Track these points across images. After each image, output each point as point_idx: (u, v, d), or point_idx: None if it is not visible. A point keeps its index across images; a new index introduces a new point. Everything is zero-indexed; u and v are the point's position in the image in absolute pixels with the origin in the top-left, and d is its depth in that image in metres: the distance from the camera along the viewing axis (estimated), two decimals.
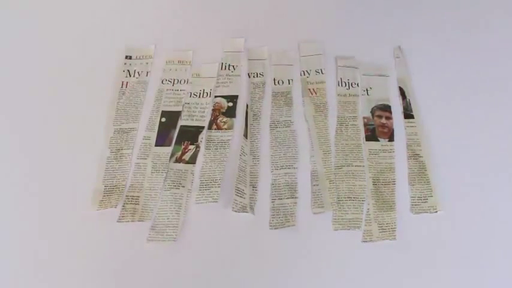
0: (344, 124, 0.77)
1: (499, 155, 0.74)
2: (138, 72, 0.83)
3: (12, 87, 0.81)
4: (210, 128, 0.77)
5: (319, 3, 0.91)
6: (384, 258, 0.67)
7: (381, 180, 0.73)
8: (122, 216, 0.70)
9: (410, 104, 0.78)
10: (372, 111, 0.79)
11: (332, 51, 0.84)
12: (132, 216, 0.70)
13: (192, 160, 0.74)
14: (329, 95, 0.80)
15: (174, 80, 0.82)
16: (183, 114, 0.79)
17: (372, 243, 0.68)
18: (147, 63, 0.84)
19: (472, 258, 0.66)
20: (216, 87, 0.81)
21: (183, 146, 0.75)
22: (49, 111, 0.79)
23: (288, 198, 0.71)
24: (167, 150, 0.75)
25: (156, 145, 0.76)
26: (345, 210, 0.70)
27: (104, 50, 0.85)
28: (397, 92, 0.80)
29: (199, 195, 0.70)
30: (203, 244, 0.68)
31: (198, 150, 0.75)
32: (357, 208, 0.70)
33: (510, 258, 0.66)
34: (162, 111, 0.79)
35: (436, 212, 0.70)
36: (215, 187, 0.71)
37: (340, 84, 0.81)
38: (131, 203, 0.71)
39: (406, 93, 0.80)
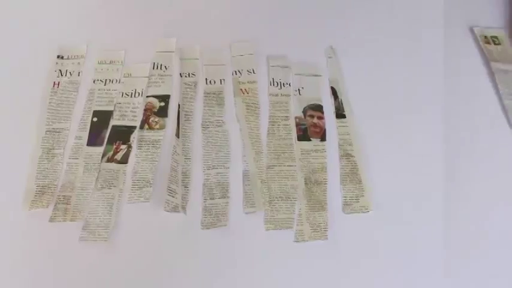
0: (276, 124, 0.78)
1: (424, 155, 0.75)
2: (70, 72, 0.82)
3: None
4: (141, 127, 0.76)
5: (251, 2, 0.90)
6: (316, 258, 0.68)
7: (313, 180, 0.73)
8: (54, 216, 0.69)
9: (342, 104, 0.79)
10: (304, 111, 0.79)
11: (264, 51, 0.83)
12: (64, 216, 0.70)
13: (124, 160, 0.74)
14: (261, 94, 0.80)
15: (106, 79, 0.81)
16: (114, 114, 0.78)
17: (304, 243, 0.69)
18: (79, 63, 0.83)
19: (403, 258, 0.69)
20: (148, 87, 0.80)
21: (114, 146, 0.75)
22: None
23: (219, 198, 0.72)
24: (99, 150, 0.75)
25: (88, 145, 0.75)
26: (277, 210, 0.71)
27: (36, 50, 0.83)
28: (329, 92, 0.81)
29: (131, 195, 0.70)
30: (135, 244, 0.69)
31: (130, 150, 0.74)
32: (289, 208, 0.71)
33: (435, 257, 0.69)
34: (94, 111, 0.78)
35: (368, 211, 0.71)
36: (147, 187, 0.71)
37: (272, 84, 0.81)
38: (63, 203, 0.71)
39: (338, 93, 0.80)
